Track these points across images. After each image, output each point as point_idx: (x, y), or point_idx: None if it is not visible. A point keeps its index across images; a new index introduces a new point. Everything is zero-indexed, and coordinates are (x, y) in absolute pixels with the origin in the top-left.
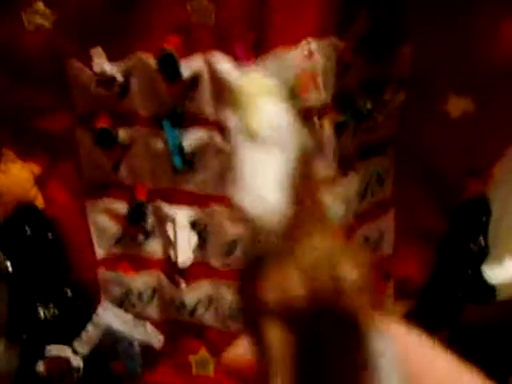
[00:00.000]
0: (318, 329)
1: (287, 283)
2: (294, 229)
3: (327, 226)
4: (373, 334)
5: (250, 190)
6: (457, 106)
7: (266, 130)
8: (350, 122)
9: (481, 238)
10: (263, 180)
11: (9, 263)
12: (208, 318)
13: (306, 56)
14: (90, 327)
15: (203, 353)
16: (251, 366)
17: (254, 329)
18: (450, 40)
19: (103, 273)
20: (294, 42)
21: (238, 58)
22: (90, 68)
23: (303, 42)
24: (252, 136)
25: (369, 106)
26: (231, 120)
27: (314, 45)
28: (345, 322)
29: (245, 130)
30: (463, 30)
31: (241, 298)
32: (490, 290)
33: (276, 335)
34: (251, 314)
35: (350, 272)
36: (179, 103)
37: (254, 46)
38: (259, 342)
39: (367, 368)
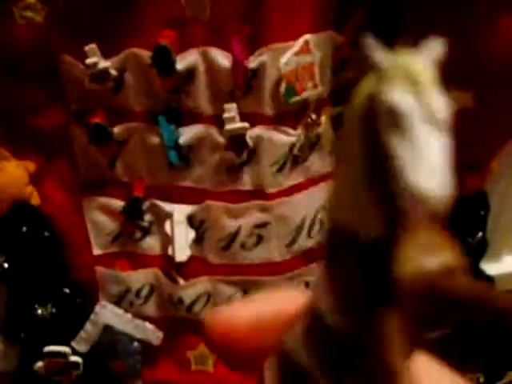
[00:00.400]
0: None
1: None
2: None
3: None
4: None
5: (431, 171)
6: (456, 100)
7: (441, 113)
8: None
9: (479, 233)
10: (439, 162)
11: (6, 262)
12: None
13: (303, 50)
14: (88, 325)
15: (202, 348)
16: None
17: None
18: (450, 33)
19: (101, 271)
20: (290, 36)
21: (234, 53)
22: (83, 63)
23: (300, 37)
24: (431, 118)
25: None
26: (406, 102)
27: (310, 39)
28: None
29: (425, 113)
30: (463, 24)
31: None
32: (489, 281)
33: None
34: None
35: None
36: (174, 98)
37: (249, 40)
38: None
39: None
